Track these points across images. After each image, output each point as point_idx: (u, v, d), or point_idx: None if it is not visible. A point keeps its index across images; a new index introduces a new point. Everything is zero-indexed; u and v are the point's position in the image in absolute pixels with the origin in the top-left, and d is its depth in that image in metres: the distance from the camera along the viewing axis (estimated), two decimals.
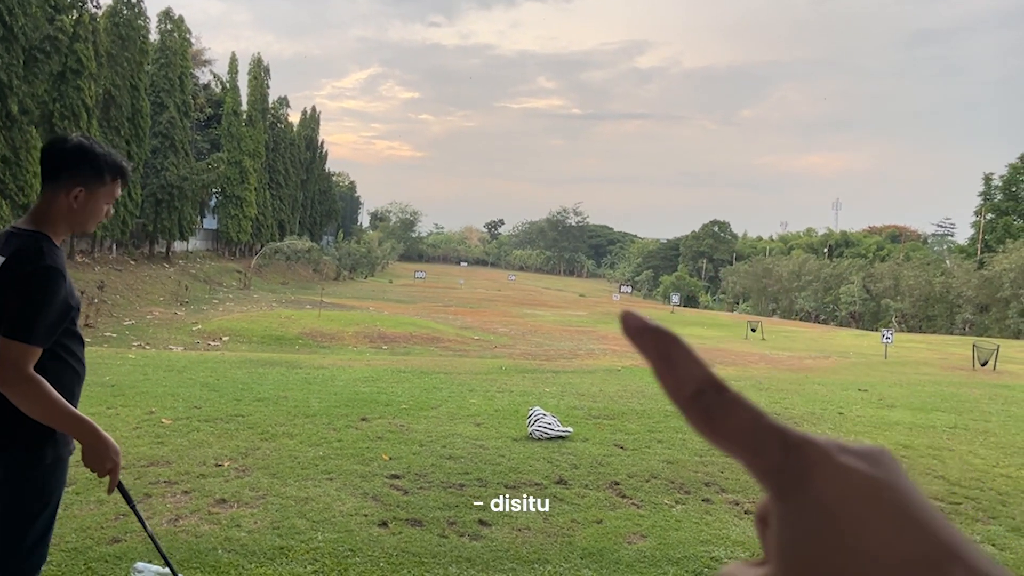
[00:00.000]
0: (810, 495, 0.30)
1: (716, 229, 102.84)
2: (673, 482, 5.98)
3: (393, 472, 5.78)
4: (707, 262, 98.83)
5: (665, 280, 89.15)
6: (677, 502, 5.51)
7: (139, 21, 37.33)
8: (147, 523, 2.86)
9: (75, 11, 31.39)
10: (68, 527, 4.35)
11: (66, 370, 2.48)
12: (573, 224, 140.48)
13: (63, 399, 2.31)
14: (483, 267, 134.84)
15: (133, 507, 2.68)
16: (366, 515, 4.86)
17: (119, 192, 2.60)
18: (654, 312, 52.02)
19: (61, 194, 2.48)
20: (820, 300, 68.26)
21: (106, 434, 2.40)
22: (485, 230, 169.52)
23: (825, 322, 64.32)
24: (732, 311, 73.76)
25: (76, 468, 5.31)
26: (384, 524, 4.73)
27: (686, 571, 4.30)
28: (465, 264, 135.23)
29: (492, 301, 52.44)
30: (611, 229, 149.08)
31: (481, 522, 4.87)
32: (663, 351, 0.34)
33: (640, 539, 4.76)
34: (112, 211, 2.63)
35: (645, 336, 0.34)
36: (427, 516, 4.90)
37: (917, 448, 7.84)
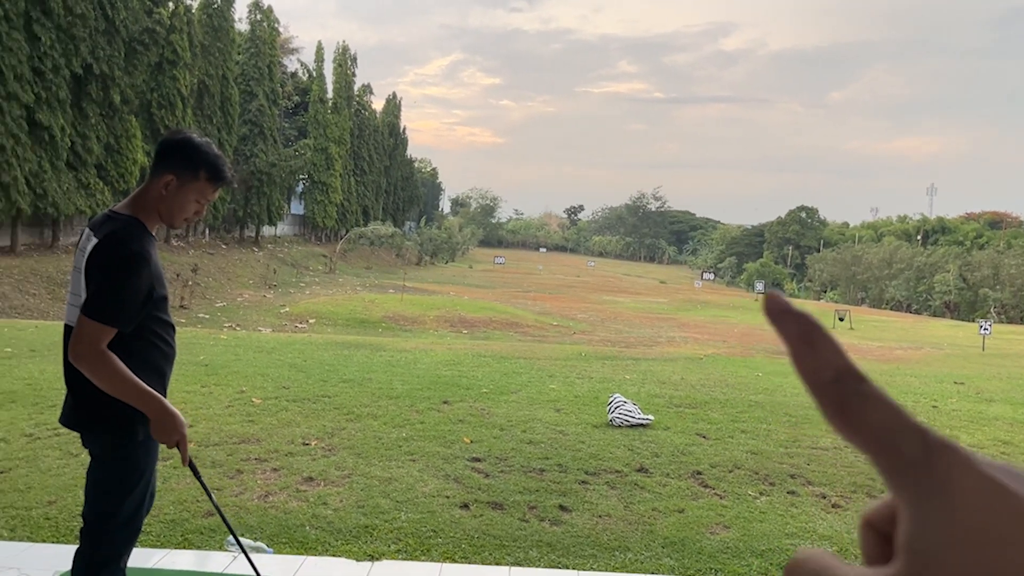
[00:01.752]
0: (954, 501, 0.28)
1: (803, 215, 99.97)
2: (757, 473, 5.86)
3: (474, 455, 5.84)
4: (793, 249, 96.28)
5: (749, 267, 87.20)
6: (761, 493, 5.40)
7: (230, 12, 38.42)
8: (215, 496, 2.92)
9: (171, 3, 32.50)
10: (166, 500, 4.55)
11: (154, 352, 2.58)
12: (653, 210, 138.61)
13: (133, 376, 2.40)
14: (562, 253, 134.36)
15: (200, 479, 2.77)
16: (448, 497, 4.92)
17: (212, 194, 2.64)
18: (737, 300, 51.02)
19: (157, 181, 2.56)
20: (912, 289, 65.74)
21: (173, 408, 2.47)
22: (564, 216, 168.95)
23: (917, 312, 61.92)
24: (819, 299, 71.73)
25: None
26: (466, 506, 4.79)
27: (771, 564, 4.22)
28: (544, 250, 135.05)
29: (571, 287, 52.30)
30: (693, 215, 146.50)
31: (561, 507, 4.87)
32: (805, 334, 0.33)
33: (723, 530, 4.69)
34: (203, 211, 2.67)
35: (787, 318, 0.33)
36: (508, 500, 4.93)
37: (1019, 445, 7.48)
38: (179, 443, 2.52)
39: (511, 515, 4.69)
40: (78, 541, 3.69)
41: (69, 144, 26.65)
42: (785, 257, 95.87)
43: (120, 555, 2.63)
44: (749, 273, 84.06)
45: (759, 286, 65.11)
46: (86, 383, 2.45)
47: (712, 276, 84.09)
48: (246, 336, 13.58)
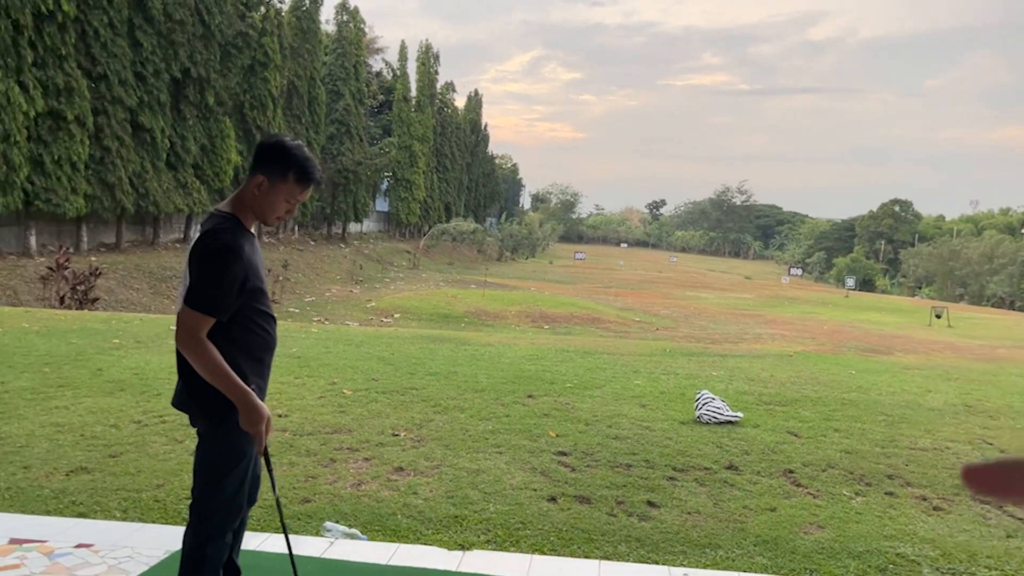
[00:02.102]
0: None
1: (896, 208, 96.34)
2: (852, 473, 5.70)
3: (560, 449, 5.85)
4: (885, 243, 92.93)
5: (839, 262, 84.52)
6: (857, 494, 5.25)
7: (317, 14, 39.36)
8: (276, 487, 3.03)
9: (263, 7, 33.48)
10: (265, 486, 4.71)
11: (253, 340, 2.73)
12: (738, 204, 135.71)
13: (225, 365, 2.56)
14: (644, 248, 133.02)
15: (269, 470, 2.91)
16: (535, 489, 4.95)
17: (302, 195, 2.76)
18: (827, 296, 49.58)
19: (252, 182, 2.71)
20: (1016, 285, 62.61)
21: (258, 401, 2.63)
22: (646, 211, 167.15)
23: (1022, 309, 58.97)
24: (913, 296, 69.03)
25: (272, 434, 5.72)
26: (553, 499, 4.80)
27: (869, 566, 4.10)
28: (625, 245, 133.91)
29: (653, 283, 51.75)
30: (779, 209, 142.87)
31: (650, 503, 4.84)
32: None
33: (817, 530, 4.58)
34: (294, 211, 2.79)
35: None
36: (595, 494, 4.93)
37: None
38: (258, 433, 2.69)
39: (599, 509, 4.69)
40: (186, 522, 3.87)
41: (168, 145, 27.80)
42: (877, 252, 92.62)
43: (224, 531, 2.78)
44: (839, 268, 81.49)
45: (850, 281, 63.12)
46: (191, 368, 2.64)
47: (800, 272, 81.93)
48: (335, 330, 13.92)
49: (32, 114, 21.00)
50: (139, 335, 10.35)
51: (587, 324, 24.04)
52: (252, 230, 2.79)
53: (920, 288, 74.62)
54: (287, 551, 3.06)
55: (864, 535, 4.51)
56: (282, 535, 3.99)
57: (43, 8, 21.06)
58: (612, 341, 15.42)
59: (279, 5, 35.13)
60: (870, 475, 5.67)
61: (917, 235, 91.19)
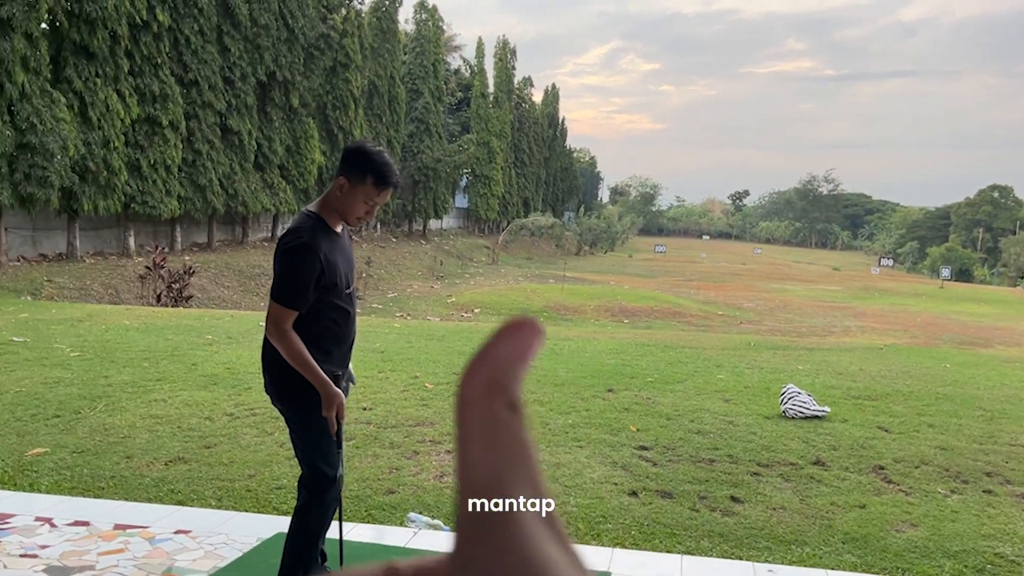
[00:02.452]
0: None
1: (996, 195, 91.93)
2: (947, 470, 5.50)
3: (641, 444, 5.82)
4: (984, 232, 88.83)
5: (933, 252, 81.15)
6: (952, 491, 5.06)
7: (397, 13, 39.92)
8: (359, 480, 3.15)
9: (344, 9, 34.16)
10: (351, 477, 4.83)
11: (324, 334, 2.91)
12: (825, 193, 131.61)
13: (308, 354, 2.79)
14: (726, 240, 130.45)
15: (339, 450, 3.11)
16: (616, 483, 4.94)
17: (381, 197, 2.89)
18: (920, 287, 47.70)
19: (335, 183, 2.89)
20: None
21: (330, 388, 2.84)
22: (728, 202, 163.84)
23: None
24: (1015, 286, 65.80)
25: (355, 426, 5.85)
26: (634, 494, 4.79)
27: (965, 566, 3.95)
28: (707, 237, 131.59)
29: (736, 275, 50.76)
30: (868, 197, 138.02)
31: (733, 498, 4.78)
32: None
33: (910, 528, 4.44)
34: (374, 212, 2.94)
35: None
36: (677, 489, 4.89)
37: None
38: (333, 416, 2.89)
39: (681, 504, 4.65)
40: (276, 511, 4.00)
41: (256, 147, 28.68)
42: (975, 240, 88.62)
43: (325, 503, 3.04)
44: (933, 258, 78.26)
45: (945, 272, 60.63)
46: (271, 358, 2.91)
47: (891, 262, 79.07)
48: (417, 325, 14.14)
49: (128, 120, 21.96)
50: (230, 331, 10.73)
51: (668, 318, 23.77)
52: (339, 229, 2.92)
53: (1023, 278, 71.06)
54: (376, 542, 3.18)
55: (960, 534, 4.35)
56: (368, 526, 4.09)
57: (139, 18, 21.98)
58: (694, 335, 15.21)
59: (359, 6, 35.77)
60: (967, 472, 5.46)
61: (1019, 223, 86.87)
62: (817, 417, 6.76)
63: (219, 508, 4.35)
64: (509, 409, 0.27)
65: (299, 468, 3.05)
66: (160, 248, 21.37)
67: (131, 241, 24.32)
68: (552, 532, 0.25)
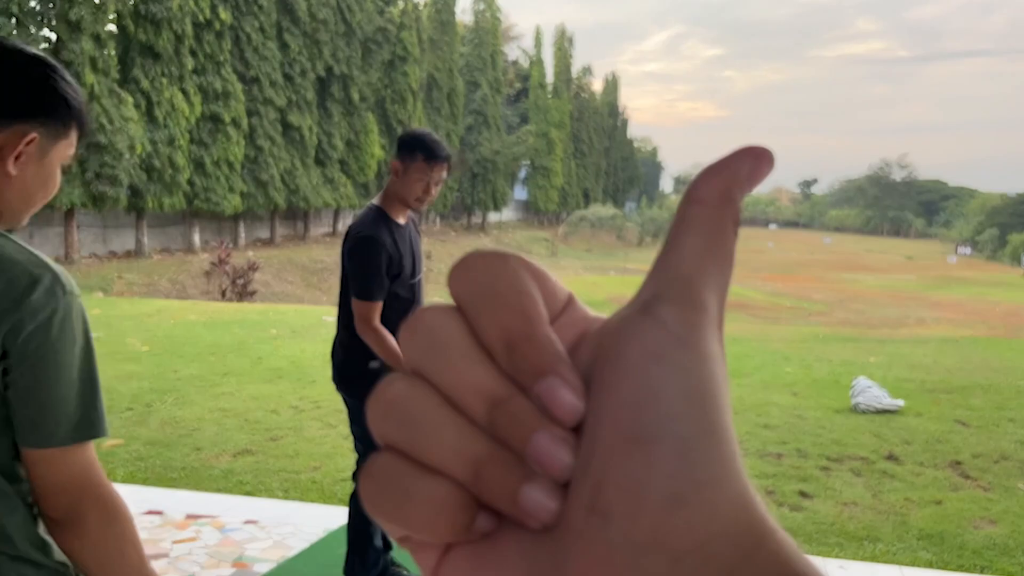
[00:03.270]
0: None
1: None
2: None
3: None
4: None
5: (1014, 239, 77.96)
6: None
7: (454, 5, 40.01)
8: None
9: (401, 2, 34.38)
10: None
11: (389, 324, 2.91)
12: (898, 180, 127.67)
13: (394, 345, 2.80)
14: (794, 229, 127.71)
15: None
16: None
17: (435, 173, 2.90)
18: (1001, 276, 46.03)
19: (391, 171, 2.95)
20: None
21: None
22: (797, 189, 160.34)
23: None
24: None
25: None
26: None
27: None
28: (775, 226, 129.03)
29: (805, 265, 49.72)
30: (945, 184, 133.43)
31: (802, 493, 4.65)
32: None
33: (988, 524, 4.26)
34: (433, 191, 2.94)
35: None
36: None
37: None
38: None
39: None
40: (342, 503, 4.03)
41: (316, 142, 29.09)
42: None
43: None
44: (1014, 246, 75.26)
45: None
46: (337, 346, 3.04)
47: (969, 250, 76.52)
48: None
49: (193, 118, 22.51)
50: (294, 325, 10.90)
51: (734, 310, 23.39)
52: (402, 220, 2.96)
53: None
54: None
55: None
56: None
57: (202, 17, 22.50)
58: (761, 327, 14.94)
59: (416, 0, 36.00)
60: None
61: None
62: (890, 411, 6.55)
63: (286, 499, 4.40)
64: (733, 224, 0.26)
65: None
66: (224, 244, 21.88)
67: (196, 237, 24.94)
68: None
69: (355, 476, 3.14)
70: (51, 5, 18.14)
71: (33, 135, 1.17)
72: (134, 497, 4.27)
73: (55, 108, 1.20)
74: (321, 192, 29.21)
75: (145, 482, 4.65)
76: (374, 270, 2.83)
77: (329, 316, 12.13)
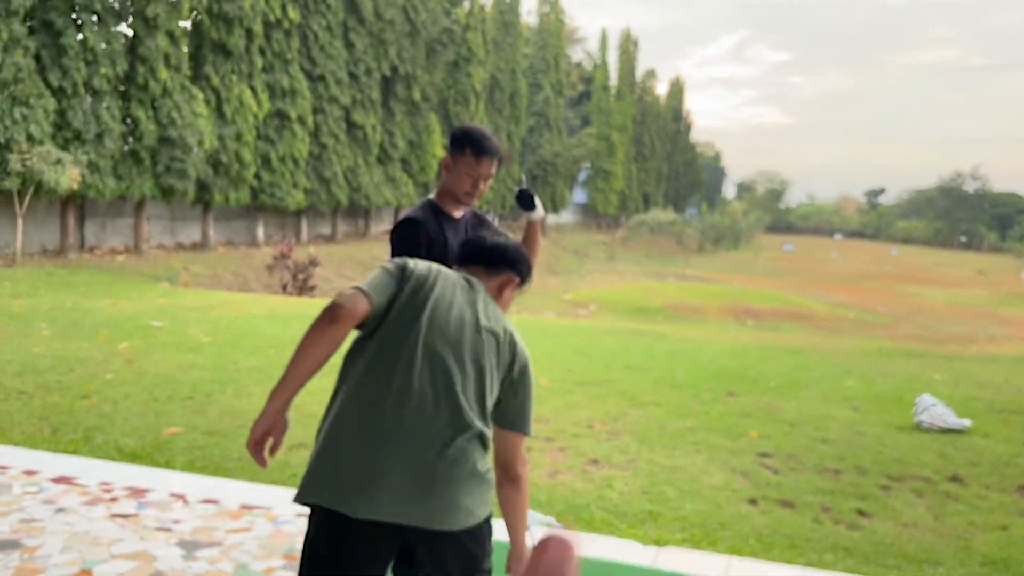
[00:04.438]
0: None
1: None
2: None
3: (762, 451, 5.60)
4: None
5: None
6: None
7: (519, 7, 40.11)
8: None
9: (467, 3, 34.58)
10: None
11: None
12: (970, 191, 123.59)
13: None
14: (860, 240, 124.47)
15: None
16: (734, 490, 4.77)
17: (482, 168, 2.90)
18: None
19: (442, 166, 2.99)
20: None
21: None
22: (863, 199, 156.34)
23: None
24: None
25: None
26: (753, 502, 4.61)
27: None
28: (839, 236, 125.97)
29: (870, 277, 48.53)
30: (1020, 197, 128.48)
31: (860, 512, 4.52)
32: None
33: None
34: (481, 186, 2.95)
35: None
36: (799, 499, 4.67)
37: None
38: None
39: (803, 515, 4.44)
40: None
41: (379, 141, 29.45)
42: None
43: None
44: None
45: None
46: None
47: None
48: (532, 320, 14.18)
49: (260, 115, 23.00)
50: None
51: (794, 320, 22.95)
52: (457, 215, 3.01)
53: None
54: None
55: None
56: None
57: (272, 17, 22.99)
58: (822, 339, 14.63)
59: (483, 1, 36.16)
60: None
61: None
62: (955, 431, 6.34)
63: None
64: None
65: None
66: (286, 239, 22.28)
67: (260, 232, 25.46)
68: None
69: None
70: (130, 2, 18.72)
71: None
72: (191, 485, 4.37)
73: None
74: (382, 190, 29.56)
75: (203, 471, 4.74)
76: (409, 247, 2.81)
77: None
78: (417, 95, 31.00)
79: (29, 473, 4.39)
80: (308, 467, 2.00)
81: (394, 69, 29.56)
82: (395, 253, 2.82)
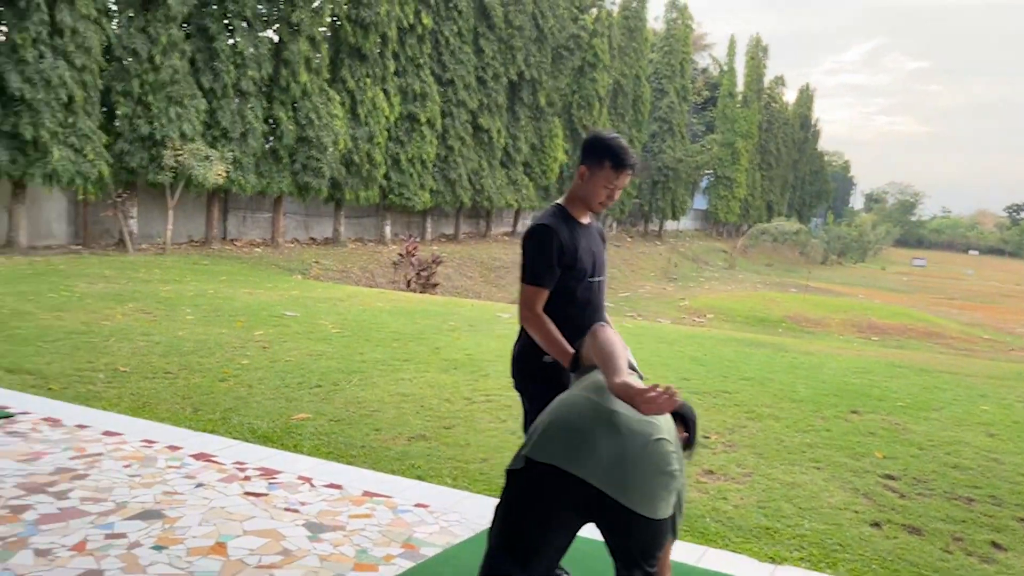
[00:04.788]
0: None
1: None
2: None
3: (887, 472, 5.40)
4: None
5: None
6: None
7: (645, 13, 39.82)
8: None
9: (594, 9, 34.62)
10: None
11: (564, 320, 2.94)
12: None
13: (558, 334, 2.88)
14: (999, 257, 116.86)
15: None
16: (856, 512, 4.63)
17: (619, 180, 2.95)
18: None
19: (577, 173, 3.01)
20: None
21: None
22: (1004, 214, 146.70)
23: None
24: None
25: None
26: (877, 525, 4.46)
27: None
28: (975, 252, 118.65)
29: (1009, 296, 45.53)
30: None
31: (995, 544, 4.30)
32: None
33: None
34: (614, 196, 3.01)
35: None
36: (927, 526, 4.48)
37: None
38: None
39: (931, 543, 4.26)
40: None
41: (503, 144, 29.87)
42: None
43: None
44: None
45: None
46: (515, 345, 3.12)
47: None
48: (648, 326, 14.06)
49: (392, 118, 23.76)
50: (471, 319, 11.28)
51: (924, 338, 21.83)
52: (585, 221, 3.06)
53: None
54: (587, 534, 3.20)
55: None
56: None
57: (405, 23, 23.72)
58: (954, 359, 13.86)
59: (611, 7, 36.10)
60: None
61: None
62: None
63: (454, 487, 4.59)
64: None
65: None
66: (412, 237, 22.91)
67: (387, 230, 26.29)
68: None
69: None
70: (276, 9, 19.73)
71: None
72: (317, 470, 4.61)
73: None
74: (504, 193, 29.96)
75: (328, 456, 4.98)
76: (544, 257, 2.89)
77: (504, 312, 12.45)
78: (542, 100, 31.25)
79: (172, 448, 4.73)
80: None
81: (520, 74, 29.90)
82: (529, 258, 2.91)
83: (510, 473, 2.41)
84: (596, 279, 3.08)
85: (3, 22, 14.41)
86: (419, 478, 4.71)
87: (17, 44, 14.13)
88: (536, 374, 3.03)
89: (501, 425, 5.88)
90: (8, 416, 5.04)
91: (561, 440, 2.32)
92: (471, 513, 4.12)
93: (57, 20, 14.73)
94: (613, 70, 36.56)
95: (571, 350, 2.84)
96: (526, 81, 30.36)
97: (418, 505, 4.16)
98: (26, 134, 14.25)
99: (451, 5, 25.78)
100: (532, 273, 2.92)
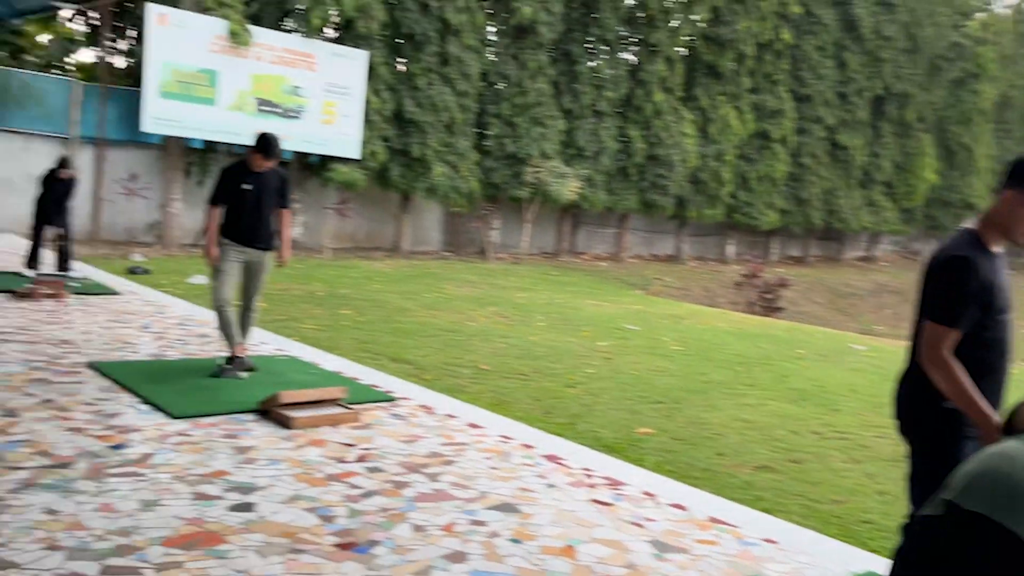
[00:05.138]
0: None
1: None
2: None
3: None
4: None
5: None
6: None
7: None
8: None
9: (982, 14, 31.01)
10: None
11: (974, 361, 2.57)
12: None
13: (967, 383, 2.48)
14: None
15: None
16: None
17: None
18: None
19: (998, 197, 2.62)
20: None
21: (994, 422, 2.43)
22: None
23: None
24: None
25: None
26: None
27: None
28: None
29: None
30: None
31: None
32: None
33: None
34: None
35: None
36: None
37: None
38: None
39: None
40: (864, 547, 3.80)
41: (862, 163, 27.86)
42: None
43: None
44: None
45: None
46: (901, 383, 2.78)
47: None
48: None
49: (744, 135, 23.28)
50: (821, 348, 10.61)
51: None
52: (996, 250, 2.66)
53: None
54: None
55: None
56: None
57: (764, 39, 23.12)
58: None
59: (1003, 10, 32.02)
60: None
61: None
62: None
63: (804, 526, 4.30)
64: None
65: (893, 507, 2.81)
66: (756, 258, 22.22)
67: (729, 249, 25.77)
68: None
69: (906, 527, 2.88)
70: (636, 31, 20.41)
71: None
72: (662, 487, 4.58)
73: None
74: (860, 214, 27.91)
75: (670, 475, 4.94)
76: (961, 294, 2.54)
77: (858, 344, 11.55)
78: (910, 115, 28.63)
79: (526, 447, 4.99)
80: None
81: (887, 88, 27.69)
82: (943, 294, 2.59)
83: (924, 519, 2.16)
84: (1008, 316, 2.67)
85: (403, 56, 16.61)
86: (766, 511, 4.48)
87: (413, 74, 16.19)
88: (931, 419, 2.68)
89: (856, 467, 5.42)
90: (391, 400, 5.69)
91: (996, 491, 2.02)
92: (823, 557, 3.83)
93: (446, 51, 16.59)
94: (1000, 81, 32.36)
95: (989, 411, 2.47)
96: (893, 95, 28.01)
97: (766, 540, 3.96)
98: (414, 152, 16.23)
99: (814, 19, 24.63)
100: (947, 313, 2.56)
